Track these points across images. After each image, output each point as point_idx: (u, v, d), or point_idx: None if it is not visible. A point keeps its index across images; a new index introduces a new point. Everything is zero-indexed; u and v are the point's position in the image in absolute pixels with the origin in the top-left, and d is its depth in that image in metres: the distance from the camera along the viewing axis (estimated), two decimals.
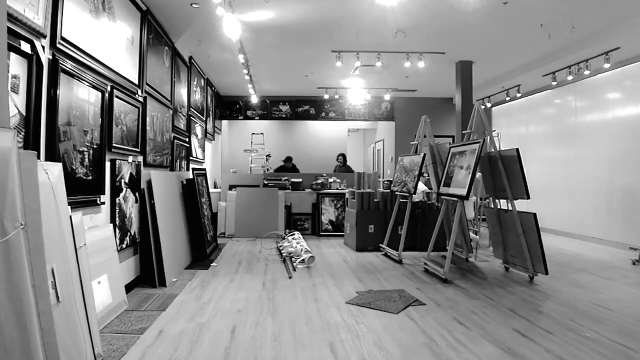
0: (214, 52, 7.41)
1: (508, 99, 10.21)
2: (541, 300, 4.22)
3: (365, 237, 6.80)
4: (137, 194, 4.59)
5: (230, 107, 11.48)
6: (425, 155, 6.20)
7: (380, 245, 6.63)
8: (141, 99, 4.80)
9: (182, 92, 6.77)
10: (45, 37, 2.93)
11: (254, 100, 11.08)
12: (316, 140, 13.16)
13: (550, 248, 6.97)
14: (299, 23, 6.12)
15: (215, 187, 9.73)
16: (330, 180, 9.53)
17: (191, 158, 7.36)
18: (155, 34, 5.31)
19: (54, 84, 3.03)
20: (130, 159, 4.48)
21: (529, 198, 4.89)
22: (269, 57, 7.95)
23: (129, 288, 4.28)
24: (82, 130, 3.41)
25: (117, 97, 4.07)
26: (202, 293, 4.32)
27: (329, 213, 8.46)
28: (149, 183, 4.79)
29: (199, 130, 8.05)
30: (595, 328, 3.43)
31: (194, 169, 6.35)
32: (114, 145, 4.03)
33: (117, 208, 4.08)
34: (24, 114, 2.68)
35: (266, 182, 8.99)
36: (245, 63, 7.89)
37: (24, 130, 2.68)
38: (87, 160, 3.49)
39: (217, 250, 6.64)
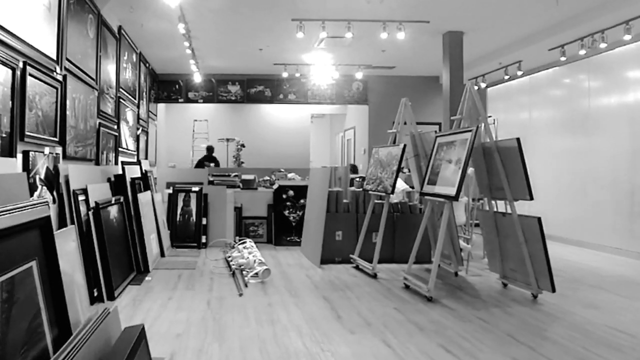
0: (148, 20, 7.37)
1: (506, 77, 10.24)
2: (546, 322, 4.24)
3: (332, 246, 6.86)
4: (54, 193, 4.57)
5: (167, 88, 11.41)
6: (405, 145, 6.14)
7: (350, 255, 6.68)
8: (60, 78, 4.79)
9: (109, 69, 6.73)
10: None
11: (197, 79, 11.05)
12: (272, 127, 13.22)
13: (558, 259, 6.91)
14: None
15: None
16: (290, 175, 9.64)
17: (120, 149, 7.32)
18: None
19: None
20: (47, 150, 4.46)
21: (531, 199, 4.87)
22: (215, 27, 7.95)
23: None
24: None
25: (30, 75, 4.06)
26: (134, 313, 4.33)
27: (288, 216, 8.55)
28: (66, 179, 4.77)
29: (129, 115, 7.99)
30: (612, 357, 3.45)
31: (123, 163, 6.34)
32: (27, 133, 4.01)
33: None
34: None
35: (211, 179, 9.01)
36: (186, 34, 7.88)
37: None
38: None
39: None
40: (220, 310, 4.46)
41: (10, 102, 3.75)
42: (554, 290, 4.82)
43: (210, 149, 12.13)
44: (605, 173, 8.05)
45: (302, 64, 10.54)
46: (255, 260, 6.01)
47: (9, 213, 2.18)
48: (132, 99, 8.28)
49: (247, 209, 8.68)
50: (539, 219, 4.87)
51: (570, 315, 4.47)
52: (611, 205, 7.91)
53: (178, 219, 8.00)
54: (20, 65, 3.92)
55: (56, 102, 4.68)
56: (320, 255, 6.63)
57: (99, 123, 6.24)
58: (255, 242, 7.30)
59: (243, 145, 11.63)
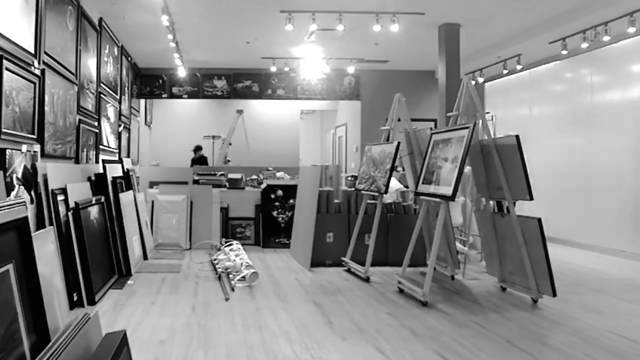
0: (130, 12, 7.36)
1: (505, 72, 10.24)
2: (547, 328, 4.26)
3: (322, 248, 6.86)
4: (32, 193, 4.55)
5: (151, 83, 11.39)
6: (399, 143, 6.14)
7: (342, 258, 6.68)
8: (38, 72, 4.78)
9: (89, 64, 6.73)
10: None
11: (181, 73, 11.03)
12: (260, 124, 13.21)
13: (559, 262, 6.90)
14: None
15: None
16: (278, 174, 9.64)
17: (101, 146, 7.31)
18: None
19: None
20: (24, 147, 4.44)
21: (531, 199, 4.88)
22: (200, 19, 7.95)
23: None
24: None
25: (7, 69, 4.04)
26: (115, 318, 4.33)
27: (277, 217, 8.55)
28: (45, 178, 4.76)
29: (111, 111, 7.98)
30: None
31: (104, 161, 6.32)
32: (4, 130, 4.00)
33: None
34: None
35: (196, 178, 9.00)
36: (170, 26, 7.86)
37: None
38: None
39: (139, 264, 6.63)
40: (205, 316, 4.46)
41: None
42: (554, 295, 4.82)
43: (198, 149, 12.10)
44: (609, 171, 8.03)
45: (291, 58, 10.54)
46: (242, 263, 6.02)
47: None
48: (114, 95, 8.27)
49: (234, 210, 8.67)
50: (539, 220, 4.87)
51: (572, 321, 4.48)
52: (615, 206, 7.90)
53: None
54: None
55: (34, 97, 4.66)
56: (310, 257, 6.63)
57: (79, 119, 6.22)
58: (242, 244, 7.30)
59: (229, 143, 11.61)
